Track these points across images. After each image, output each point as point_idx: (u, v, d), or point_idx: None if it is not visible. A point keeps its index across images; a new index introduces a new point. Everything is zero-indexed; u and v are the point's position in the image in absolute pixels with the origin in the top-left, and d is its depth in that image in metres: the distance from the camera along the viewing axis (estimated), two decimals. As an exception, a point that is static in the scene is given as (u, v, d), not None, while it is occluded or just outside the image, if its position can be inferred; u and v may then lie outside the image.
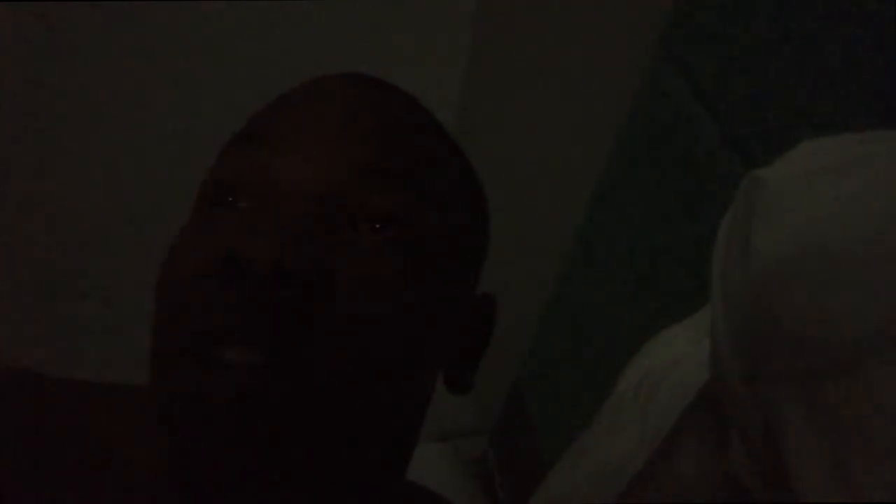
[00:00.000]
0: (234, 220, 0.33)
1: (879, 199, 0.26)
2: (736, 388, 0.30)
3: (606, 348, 0.79)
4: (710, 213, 0.58)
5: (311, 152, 0.33)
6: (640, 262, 0.71)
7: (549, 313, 0.97)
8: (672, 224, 0.64)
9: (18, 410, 0.39)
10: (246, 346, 0.29)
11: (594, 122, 0.82)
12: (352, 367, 0.31)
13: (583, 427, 0.57)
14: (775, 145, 0.48)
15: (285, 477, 0.31)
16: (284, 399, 0.29)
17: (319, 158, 0.33)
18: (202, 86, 1.07)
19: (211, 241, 0.32)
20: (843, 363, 0.25)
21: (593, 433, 0.53)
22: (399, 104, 0.38)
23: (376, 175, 0.33)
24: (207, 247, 0.32)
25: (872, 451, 0.25)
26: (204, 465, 0.30)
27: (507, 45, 1.05)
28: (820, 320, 0.26)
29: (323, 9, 1.03)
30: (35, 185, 1.12)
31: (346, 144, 0.34)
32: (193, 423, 0.29)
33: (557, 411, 0.96)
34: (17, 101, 1.03)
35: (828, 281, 0.26)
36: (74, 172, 1.12)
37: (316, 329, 0.30)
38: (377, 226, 0.33)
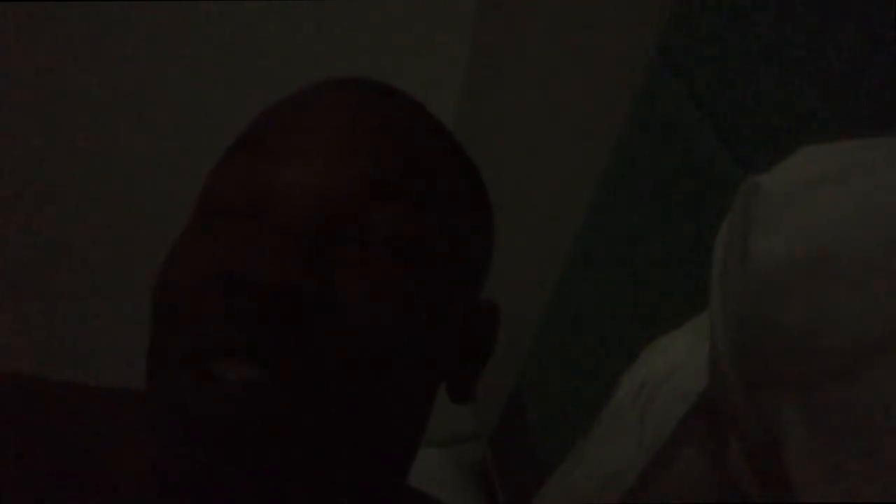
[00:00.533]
0: (235, 233, 0.32)
1: (878, 205, 0.26)
2: (735, 393, 0.30)
3: (605, 354, 0.79)
4: (708, 219, 0.58)
5: (313, 162, 0.33)
6: (639, 267, 0.71)
7: (548, 318, 0.97)
8: (671, 229, 0.64)
9: (17, 413, 0.39)
10: (246, 362, 0.29)
11: (592, 126, 0.82)
12: (355, 384, 0.30)
13: (582, 432, 0.56)
14: (774, 151, 0.48)
15: (282, 492, 0.31)
16: (284, 416, 0.29)
17: (321, 169, 0.33)
18: (202, 86, 1.07)
19: (211, 254, 0.32)
20: (842, 368, 0.25)
21: (592, 439, 0.53)
22: (402, 110, 0.38)
23: (381, 187, 0.33)
24: (208, 259, 0.31)
25: (873, 456, 0.24)
26: (199, 478, 0.30)
27: (506, 48, 1.05)
28: (819, 326, 0.26)
29: (323, 9, 1.03)
30: (34, 184, 1.12)
31: (348, 154, 0.33)
32: (190, 436, 0.29)
33: (557, 417, 0.95)
34: (16, 101, 1.03)
35: (826, 286, 0.26)
36: (74, 173, 1.12)
37: (318, 346, 0.30)
38: (382, 240, 0.32)
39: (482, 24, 1.07)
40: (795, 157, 0.32)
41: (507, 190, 0.96)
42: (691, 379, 0.41)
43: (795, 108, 0.49)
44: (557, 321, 0.94)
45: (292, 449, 0.30)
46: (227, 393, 0.29)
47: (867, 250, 0.26)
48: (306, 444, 0.30)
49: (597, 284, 0.82)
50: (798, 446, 0.27)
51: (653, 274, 0.68)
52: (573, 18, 0.85)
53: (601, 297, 0.81)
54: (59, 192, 1.13)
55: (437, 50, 1.11)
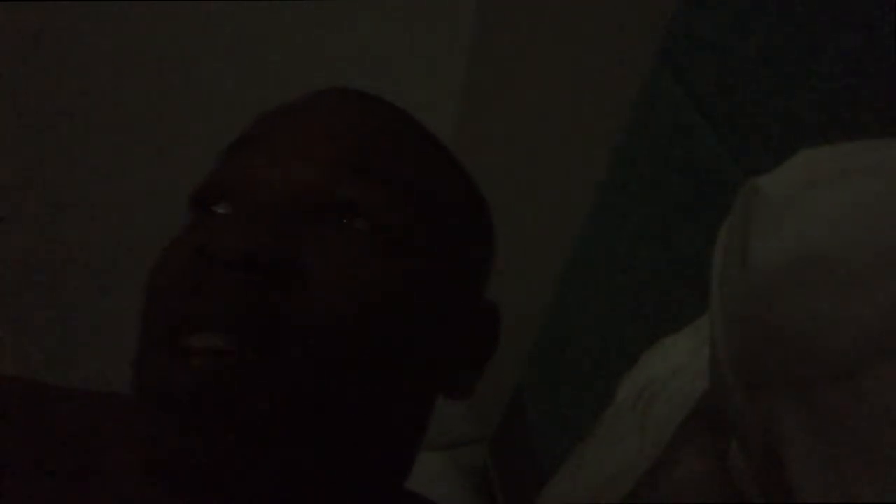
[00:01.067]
0: (215, 219, 0.34)
1: (877, 207, 0.26)
2: (735, 396, 0.30)
3: (606, 357, 0.79)
4: (709, 222, 0.58)
5: (288, 155, 0.34)
6: (640, 270, 0.71)
7: (548, 322, 0.97)
8: (672, 232, 0.64)
9: (17, 417, 0.39)
10: (210, 333, 0.29)
11: (593, 129, 0.82)
12: (321, 356, 0.31)
13: (582, 436, 0.56)
14: (774, 153, 0.48)
15: (259, 471, 0.31)
16: (250, 386, 0.29)
17: (294, 159, 0.34)
18: (202, 86, 1.07)
19: (190, 241, 0.33)
20: (842, 370, 0.25)
21: (593, 443, 0.53)
22: (383, 112, 0.39)
23: (350, 169, 0.34)
24: (186, 246, 0.33)
25: (873, 458, 0.24)
26: (177, 456, 0.30)
27: (506, 52, 1.05)
28: (818, 328, 0.26)
29: (323, 9, 1.03)
30: (34, 186, 1.12)
31: (321, 146, 0.35)
32: (162, 412, 0.30)
33: (557, 420, 0.95)
34: (16, 101, 1.03)
35: (826, 289, 0.26)
36: (75, 172, 1.12)
37: (285, 317, 0.30)
38: (347, 215, 0.33)
39: (482, 25, 1.07)
40: (795, 159, 0.32)
41: (507, 192, 0.96)
42: (692, 382, 0.41)
43: (795, 110, 0.49)
44: (558, 324, 0.94)
45: (258, 423, 0.30)
46: (191, 364, 0.29)
47: (866, 253, 0.26)
48: (273, 420, 0.30)
49: (597, 287, 0.82)
50: (798, 448, 0.27)
51: (653, 277, 0.68)
52: (574, 21, 0.85)
53: (602, 300, 0.81)
54: (59, 193, 1.13)
55: (437, 51, 1.11)
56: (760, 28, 0.52)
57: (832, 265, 0.26)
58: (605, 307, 0.80)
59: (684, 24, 0.62)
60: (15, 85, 1.02)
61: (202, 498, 0.31)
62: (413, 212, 0.35)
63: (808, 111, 0.48)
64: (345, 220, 0.33)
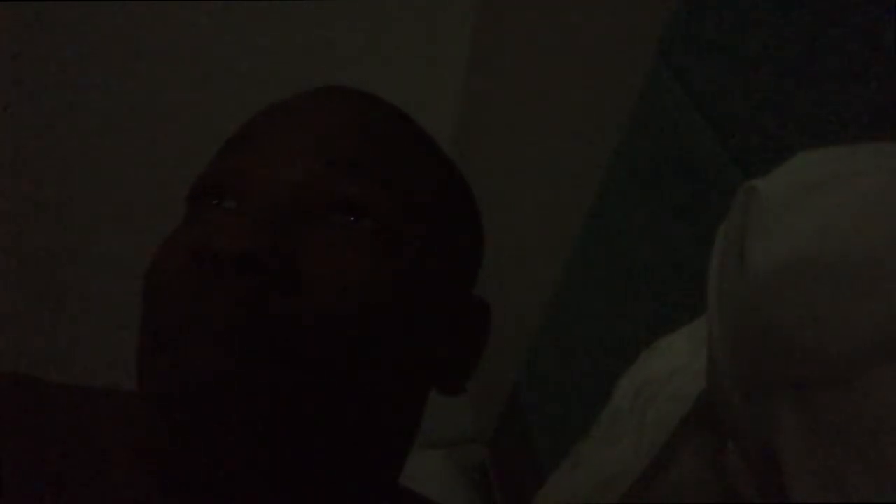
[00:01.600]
0: (211, 217, 0.34)
1: (875, 211, 0.26)
2: (732, 398, 0.30)
3: (604, 357, 0.79)
4: (708, 222, 0.58)
5: (287, 151, 0.34)
6: (639, 271, 0.71)
7: (547, 322, 0.97)
8: (670, 233, 0.65)
9: (14, 413, 0.39)
10: (213, 335, 0.29)
11: (593, 129, 0.82)
12: (321, 358, 0.31)
13: (580, 435, 0.57)
14: (774, 154, 0.48)
15: (266, 479, 0.31)
16: (250, 388, 0.29)
17: (293, 156, 0.34)
18: (202, 86, 1.07)
19: (188, 240, 0.33)
20: (838, 373, 0.25)
21: (591, 442, 0.53)
22: (381, 111, 0.39)
23: (348, 168, 0.34)
24: (184, 245, 0.32)
25: (868, 461, 0.25)
26: (177, 456, 0.30)
27: (505, 52, 1.05)
28: (815, 331, 0.26)
29: (323, 9, 1.03)
30: (34, 185, 1.12)
31: (321, 143, 0.35)
32: (163, 413, 0.30)
33: (555, 420, 0.95)
34: (16, 101, 1.03)
35: (823, 292, 0.26)
36: (74, 173, 1.12)
37: (285, 320, 0.30)
38: (346, 215, 0.33)
39: (482, 26, 1.07)
40: (793, 161, 0.32)
41: (507, 191, 0.96)
42: (690, 382, 0.42)
43: (794, 111, 0.49)
44: (556, 324, 0.94)
45: (257, 423, 0.30)
46: (190, 366, 0.29)
47: (864, 255, 0.26)
48: (270, 420, 0.30)
49: (596, 287, 0.82)
50: (794, 450, 0.27)
51: (652, 277, 0.68)
52: (574, 21, 0.85)
53: (600, 300, 0.81)
54: (59, 193, 1.13)
55: (437, 51, 1.11)
56: (760, 28, 0.52)
57: (829, 267, 0.26)
58: (604, 307, 0.80)
59: (684, 24, 0.62)
60: (14, 84, 1.01)
61: (201, 497, 0.31)
62: (411, 211, 0.35)
63: (807, 112, 0.48)
64: (344, 220, 0.33)
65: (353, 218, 0.33)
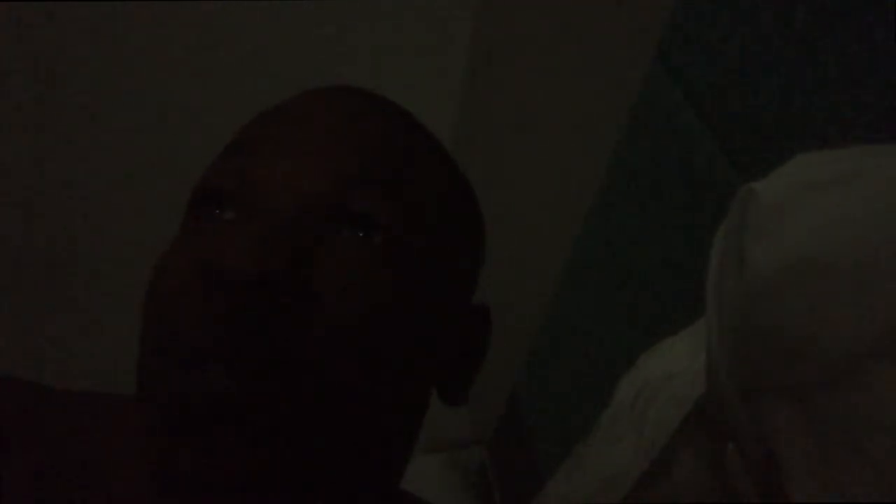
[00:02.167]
0: (218, 228, 0.33)
1: (873, 212, 0.27)
2: (732, 400, 0.30)
3: (603, 359, 0.79)
4: (706, 225, 0.58)
5: (294, 160, 0.33)
6: (638, 273, 0.71)
7: (546, 324, 0.97)
8: (669, 235, 0.65)
9: (14, 418, 0.39)
10: (226, 356, 0.29)
11: (591, 133, 0.82)
12: (335, 374, 0.30)
13: (580, 438, 0.57)
14: (772, 157, 0.48)
15: (269, 486, 0.31)
16: (259, 406, 0.29)
17: (301, 165, 0.33)
18: (202, 86, 1.07)
19: (194, 252, 0.32)
20: (837, 374, 0.26)
21: (590, 444, 0.53)
22: (387, 115, 0.38)
23: (359, 182, 0.33)
24: (190, 259, 0.31)
25: (868, 463, 0.25)
26: (189, 477, 0.30)
27: (505, 53, 1.05)
28: (813, 333, 0.26)
29: (322, 9, 1.03)
30: (33, 185, 1.12)
31: (329, 152, 0.33)
32: (177, 435, 0.29)
33: (555, 422, 0.95)
34: (16, 101, 1.03)
35: (821, 294, 0.26)
36: (73, 173, 1.12)
37: (297, 341, 0.29)
38: (360, 232, 0.32)
39: (482, 25, 1.07)
40: (791, 163, 0.32)
41: (505, 195, 0.96)
42: (689, 385, 0.42)
43: (793, 114, 0.49)
44: (556, 326, 0.94)
45: (271, 443, 0.29)
46: (206, 389, 0.28)
47: (862, 257, 0.26)
48: (286, 439, 0.30)
49: (595, 290, 0.82)
50: (794, 451, 0.27)
51: (651, 279, 0.68)
52: (572, 25, 0.85)
53: (599, 302, 0.81)
54: (58, 194, 1.13)
55: (437, 51, 1.11)
56: (759, 31, 0.52)
57: (828, 269, 0.26)
58: (603, 309, 0.80)
59: (682, 27, 0.62)
60: (14, 83, 1.01)
61: (201, 502, 0.31)
62: (420, 223, 0.34)
63: (806, 115, 0.48)
64: (355, 234, 0.32)
65: (363, 233, 0.32)
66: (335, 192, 0.33)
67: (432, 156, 0.39)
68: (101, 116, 1.07)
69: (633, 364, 0.54)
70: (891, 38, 0.41)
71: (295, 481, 0.31)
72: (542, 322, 0.98)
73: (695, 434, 0.38)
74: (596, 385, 0.75)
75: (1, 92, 1.01)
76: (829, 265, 0.26)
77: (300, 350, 0.29)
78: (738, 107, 0.55)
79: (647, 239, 0.69)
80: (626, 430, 0.48)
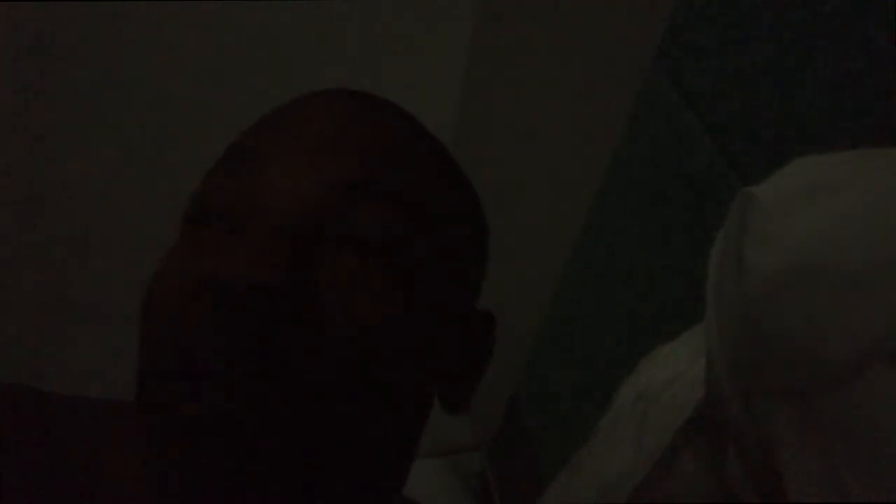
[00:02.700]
0: (217, 241, 0.32)
1: (872, 216, 0.27)
2: (731, 404, 0.30)
3: (603, 363, 0.79)
4: (706, 228, 0.58)
5: (295, 168, 0.33)
6: (637, 277, 0.71)
7: (546, 330, 0.97)
8: (668, 238, 0.65)
9: (14, 423, 0.39)
10: (226, 370, 0.28)
11: (590, 136, 0.82)
12: (338, 386, 0.30)
13: (580, 442, 0.57)
14: (771, 160, 0.48)
15: (269, 496, 0.30)
16: (266, 421, 0.29)
17: (303, 174, 0.32)
18: (202, 86, 1.07)
19: (192, 263, 0.31)
20: (836, 378, 0.26)
21: (590, 449, 0.53)
22: (389, 120, 0.37)
23: (362, 191, 0.33)
24: (189, 268, 0.31)
25: (867, 467, 0.25)
26: (187, 488, 0.29)
27: (505, 56, 1.05)
28: (813, 335, 0.26)
29: (323, 9, 1.03)
30: (33, 186, 1.12)
31: (330, 160, 0.33)
32: (178, 447, 0.29)
33: (555, 427, 0.95)
34: (16, 101, 1.03)
35: (821, 297, 0.26)
36: (73, 174, 1.12)
37: (299, 349, 0.29)
38: (360, 241, 0.32)
39: (482, 26, 1.08)
40: (789, 167, 0.32)
41: (504, 199, 0.96)
42: (689, 388, 0.42)
43: (791, 117, 0.49)
44: (556, 331, 0.94)
45: (273, 455, 0.29)
46: (208, 401, 0.28)
47: (861, 261, 0.26)
48: (287, 451, 0.30)
49: (595, 294, 0.82)
50: (794, 455, 0.27)
51: (651, 284, 0.68)
52: (572, 29, 0.85)
53: (599, 307, 0.81)
54: (58, 194, 1.13)
55: (437, 50, 1.11)
56: (757, 35, 0.53)
57: (827, 273, 0.26)
58: (602, 313, 0.80)
59: (682, 31, 0.62)
60: (14, 83, 1.02)
61: None
62: (424, 233, 0.34)
63: (804, 119, 0.48)
64: (356, 245, 0.32)
65: (365, 242, 0.32)
66: (335, 200, 0.32)
67: (435, 161, 0.38)
68: (101, 117, 1.07)
69: (633, 368, 0.54)
70: (888, 41, 0.41)
71: (295, 492, 0.31)
72: (542, 326, 0.98)
73: (695, 438, 0.38)
74: (596, 390, 0.75)
75: (1, 91, 1.01)
76: (828, 268, 0.26)
77: (300, 362, 0.29)
78: (738, 110, 0.55)
79: (647, 242, 0.69)
80: (626, 434, 0.48)
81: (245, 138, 0.36)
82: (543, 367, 0.99)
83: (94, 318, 1.22)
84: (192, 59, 1.05)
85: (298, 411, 0.29)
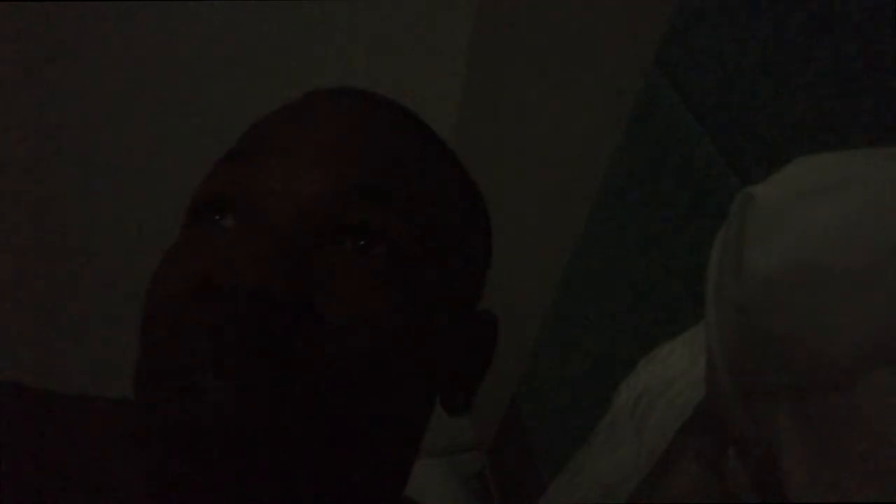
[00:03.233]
0: (217, 241, 0.32)
1: (872, 217, 0.27)
2: (731, 403, 0.30)
3: (603, 364, 0.79)
4: (706, 229, 0.58)
5: (296, 168, 0.32)
6: (637, 278, 0.71)
7: (546, 330, 0.97)
8: (668, 239, 0.65)
9: (14, 422, 0.39)
10: (226, 373, 0.28)
11: (590, 138, 0.82)
12: (339, 390, 0.30)
13: (580, 443, 0.57)
14: (770, 161, 0.48)
15: (262, 489, 0.30)
16: (260, 423, 0.29)
17: (303, 173, 0.32)
18: (202, 87, 1.07)
19: (193, 263, 0.31)
20: (836, 378, 0.26)
21: (590, 449, 0.53)
22: (392, 119, 0.37)
23: (361, 190, 0.32)
24: (189, 269, 0.31)
25: (867, 466, 0.25)
26: (184, 489, 0.29)
27: (505, 57, 1.05)
28: (813, 336, 0.26)
29: (323, 9, 1.03)
30: (33, 186, 1.12)
31: (332, 159, 0.33)
32: (175, 450, 0.28)
33: (555, 427, 0.95)
34: (16, 101, 1.03)
35: (820, 297, 0.26)
36: (73, 174, 1.12)
37: (298, 356, 0.29)
38: (361, 241, 0.32)
39: (482, 26, 1.08)
40: (789, 168, 0.32)
41: (505, 201, 0.96)
42: (689, 389, 0.42)
43: (792, 119, 0.49)
44: (556, 332, 0.94)
45: (274, 459, 0.29)
46: (207, 404, 0.28)
47: (861, 260, 0.26)
48: (289, 455, 0.29)
49: (595, 295, 0.82)
50: (794, 455, 0.27)
51: (650, 284, 0.68)
52: (571, 31, 0.85)
53: (599, 307, 0.81)
54: (58, 194, 1.13)
55: (437, 50, 1.11)
56: (757, 36, 0.53)
57: (826, 273, 0.26)
58: (603, 314, 0.80)
59: (681, 32, 0.62)
60: (14, 83, 1.02)
61: None
62: (426, 233, 0.33)
63: (804, 119, 0.48)
64: (357, 245, 0.32)
65: (366, 243, 0.32)
66: (336, 200, 0.32)
67: (439, 161, 0.38)
68: (101, 117, 1.07)
69: (633, 369, 0.54)
70: (886, 42, 0.41)
71: (295, 494, 0.31)
72: (542, 328, 0.98)
73: (695, 439, 0.38)
74: (596, 390, 0.75)
75: (1, 92, 1.02)
76: (827, 269, 0.26)
77: (300, 364, 0.29)
78: (737, 111, 0.55)
79: (646, 243, 0.69)
80: (625, 435, 0.48)
81: (249, 136, 0.36)
82: (544, 368, 0.99)
83: (94, 318, 1.22)
84: (192, 59, 1.05)
85: (299, 412, 0.29)
